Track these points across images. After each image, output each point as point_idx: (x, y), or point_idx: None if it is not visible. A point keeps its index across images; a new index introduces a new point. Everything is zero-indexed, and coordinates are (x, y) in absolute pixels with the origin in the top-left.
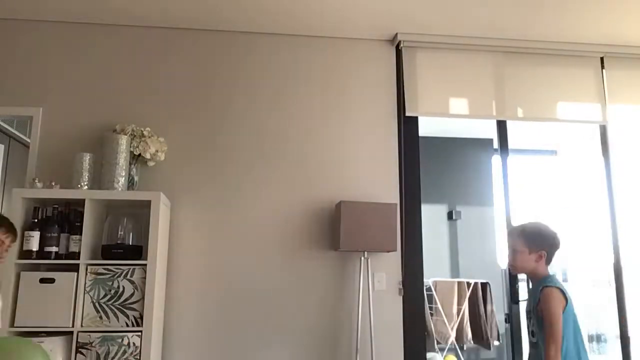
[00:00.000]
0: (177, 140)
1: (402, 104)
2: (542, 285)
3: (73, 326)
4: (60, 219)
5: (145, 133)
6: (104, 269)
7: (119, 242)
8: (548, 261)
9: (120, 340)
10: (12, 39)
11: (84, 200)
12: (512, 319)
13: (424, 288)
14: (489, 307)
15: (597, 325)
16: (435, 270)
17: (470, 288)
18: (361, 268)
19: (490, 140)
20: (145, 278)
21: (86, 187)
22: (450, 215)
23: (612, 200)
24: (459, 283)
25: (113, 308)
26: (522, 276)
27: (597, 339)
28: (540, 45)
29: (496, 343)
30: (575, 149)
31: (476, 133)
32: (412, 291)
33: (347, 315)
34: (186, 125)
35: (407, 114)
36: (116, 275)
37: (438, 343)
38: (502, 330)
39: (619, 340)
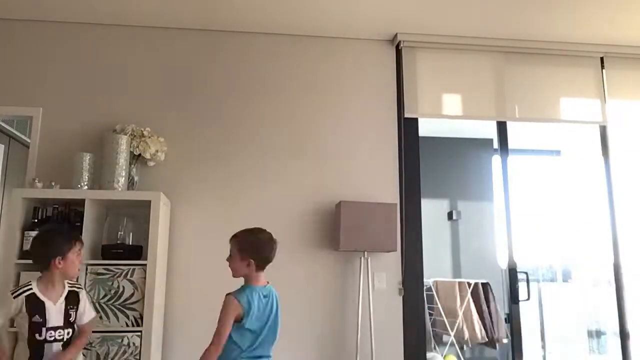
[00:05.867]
0: (177, 140)
1: (403, 104)
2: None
3: None
4: (60, 219)
5: (145, 133)
6: (104, 269)
7: (119, 242)
8: (258, 269)
9: (120, 340)
10: (12, 39)
11: (84, 200)
12: (512, 318)
13: (424, 288)
14: (492, 306)
15: (597, 323)
16: (436, 271)
17: (471, 288)
18: (361, 268)
19: (491, 140)
20: (145, 278)
21: (86, 187)
22: (450, 216)
23: (611, 200)
24: (460, 283)
25: (113, 308)
26: (522, 276)
27: (597, 335)
28: (540, 45)
29: (505, 341)
30: (578, 149)
31: (476, 133)
32: (412, 291)
33: (347, 315)
34: (186, 126)
35: (407, 115)
36: (116, 275)
37: (438, 343)
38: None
39: (618, 337)
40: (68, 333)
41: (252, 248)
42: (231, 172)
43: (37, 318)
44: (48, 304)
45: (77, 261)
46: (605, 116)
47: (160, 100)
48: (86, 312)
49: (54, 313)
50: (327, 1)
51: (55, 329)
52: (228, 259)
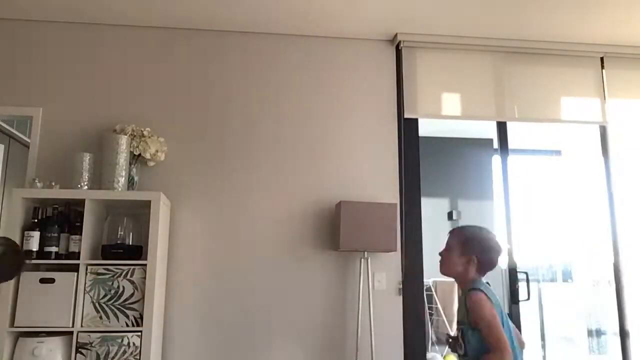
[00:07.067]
0: (177, 140)
1: (403, 104)
2: (467, 290)
3: (73, 326)
4: (60, 219)
5: (145, 133)
6: (104, 269)
7: (119, 242)
8: (480, 270)
9: (120, 340)
10: (12, 39)
11: (84, 200)
12: (512, 319)
13: (424, 288)
14: None
15: (597, 323)
16: (436, 271)
17: None
18: (361, 268)
19: (491, 140)
20: (145, 278)
21: (86, 187)
22: (450, 215)
23: (611, 200)
24: None
25: (113, 308)
26: (522, 276)
27: (597, 335)
28: (541, 45)
29: None
30: (578, 149)
31: (476, 133)
32: (412, 291)
33: (347, 315)
34: (186, 125)
35: (406, 115)
36: (116, 275)
37: (438, 343)
38: None
39: (618, 337)
40: None
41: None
42: (231, 172)
43: None
44: None
45: None
46: (605, 116)
47: (160, 100)
48: None
49: None
50: (326, 1)
51: None
52: (442, 253)
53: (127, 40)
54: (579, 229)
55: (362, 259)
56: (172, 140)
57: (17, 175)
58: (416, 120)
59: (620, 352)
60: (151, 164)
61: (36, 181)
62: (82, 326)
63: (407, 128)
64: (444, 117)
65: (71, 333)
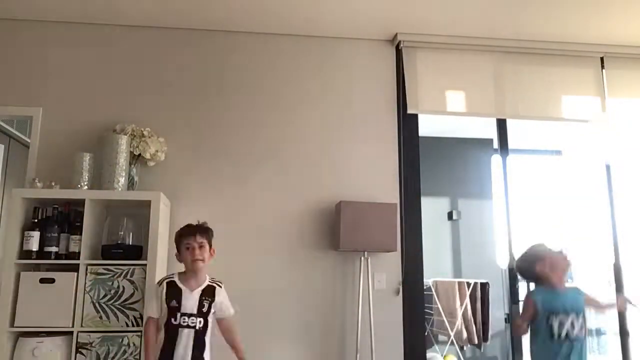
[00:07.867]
0: (177, 140)
1: (402, 104)
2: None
3: (73, 326)
4: (60, 219)
5: (145, 133)
6: (104, 269)
7: (118, 242)
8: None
9: (120, 340)
10: (12, 39)
11: (84, 200)
12: (512, 318)
13: (424, 288)
14: (485, 307)
15: (597, 323)
16: (436, 271)
17: (470, 288)
18: (361, 268)
19: (491, 140)
20: (145, 278)
21: (86, 187)
22: (450, 215)
23: (612, 199)
24: (459, 283)
25: (113, 308)
26: None
27: (597, 334)
28: (541, 45)
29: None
30: (578, 149)
31: (476, 133)
32: (412, 291)
33: (347, 315)
34: (186, 125)
35: (409, 111)
36: (116, 275)
37: (437, 343)
38: (498, 329)
39: (618, 337)
40: (200, 322)
41: None
42: (231, 172)
43: (174, 303)
44: (185, 291)
45: (186, 253)
46: (606, 116)
47: (160, 100)
48: (223, 308)
49: (190, 301)
50: (327, 1)
51: (188, 315)
52: None
53: (127, 40)
54: (579, 229)
55: (362, 259)
56: (172, 140)
57: (17, 175)
58: (416, 119)
59: (620, 352)
60: (151, 164)
61: (36, 181)
62: (82, 326)
63: (407, 127)
64: (445, 114)
65: (71, 333)
